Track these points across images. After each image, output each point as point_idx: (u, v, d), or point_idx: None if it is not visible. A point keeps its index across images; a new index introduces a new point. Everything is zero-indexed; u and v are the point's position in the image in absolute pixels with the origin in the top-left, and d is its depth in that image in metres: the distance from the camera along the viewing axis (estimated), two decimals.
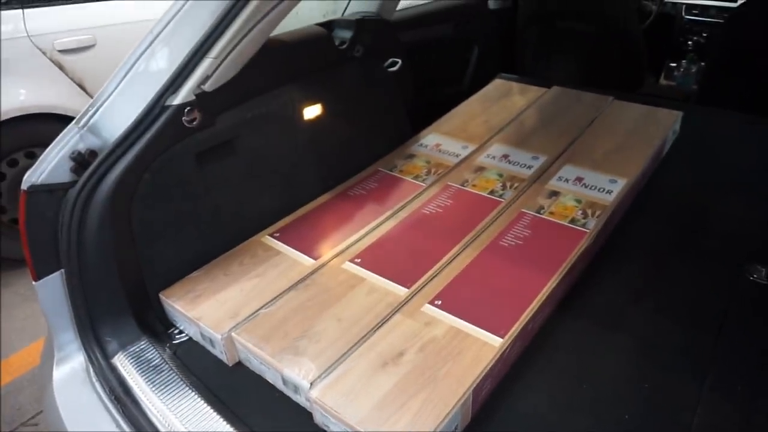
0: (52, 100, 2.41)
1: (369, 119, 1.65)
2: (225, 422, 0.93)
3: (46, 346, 1.15)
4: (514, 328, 1.03)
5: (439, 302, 1.11)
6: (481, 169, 1.56)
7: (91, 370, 1.05)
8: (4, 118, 2.29)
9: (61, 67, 2.43)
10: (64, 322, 1.08)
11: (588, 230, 1.27)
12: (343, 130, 1.54)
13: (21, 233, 1.03)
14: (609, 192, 1.40)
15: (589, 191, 1.42)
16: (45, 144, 2.55)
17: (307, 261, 1.25)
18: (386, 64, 1.67)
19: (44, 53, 2.38)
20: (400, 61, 1.67)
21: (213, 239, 1.25)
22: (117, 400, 0.99)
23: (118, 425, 0.96)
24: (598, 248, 1.32)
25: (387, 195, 1.48)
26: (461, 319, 1.06)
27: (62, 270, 1.05)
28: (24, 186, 1.02)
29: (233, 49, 1.14)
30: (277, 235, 1.33)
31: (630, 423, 0.93)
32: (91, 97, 2.47)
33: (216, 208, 1.26)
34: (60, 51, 2.41)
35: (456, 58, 2.27)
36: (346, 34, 1.56)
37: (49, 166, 1.03)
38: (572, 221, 1.31)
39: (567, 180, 1.47)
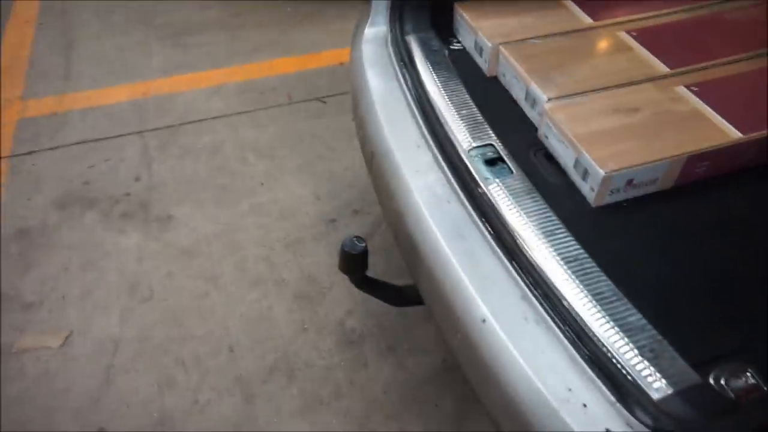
0: None
1: None
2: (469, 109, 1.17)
3: (361, 17, 1.47)
4: (758, 132, 1.02)
5: (696, 89, 1.12)
6: None
7: (390, 38, 1.35)
8: None
9: None
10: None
11: None
12: None
13: None
14: None
15: None
16: None
17: (587, 19, 1.32)
18: None
19: None
20: None
21: None
22: (401, 62, 1.28)
23: (399, 81, 1.25)
24: None
25: None
26: (710, 107, 1.08)
27: None
28: None
29: None
30: None
31: None
32: None
33: None
34: None
35: None
36: None
37: None
38: None
39: None
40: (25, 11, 2.82)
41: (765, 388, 0.75)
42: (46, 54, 2.56)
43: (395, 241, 1.19)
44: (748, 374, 0.77)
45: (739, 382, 0.76)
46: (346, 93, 2.33)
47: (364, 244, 1.09)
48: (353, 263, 1.11)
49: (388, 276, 1.54)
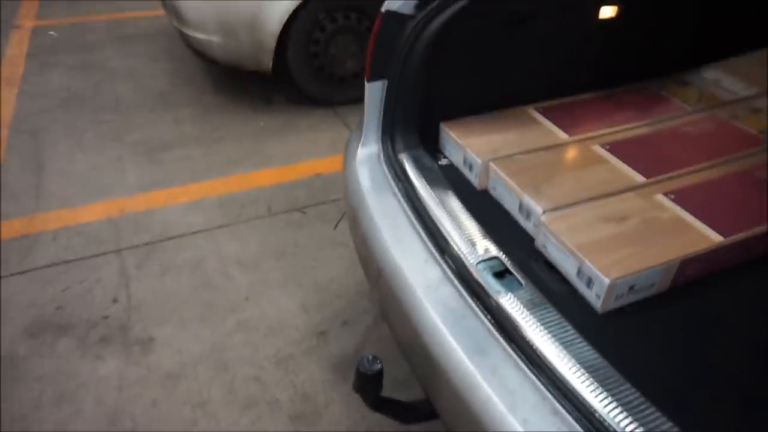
0: None
1: (656, 38, 1.70)
2: (469, 221, 1.22)
3: (353, 135, 1.55)
4: (738, 235, 1.11)
5: (673, 196, 1.22)
6: (757, 111, 1.54)
7: (383, 157, 1.42)
8: None
9: None
10: (373, 119, 1.46)
11: None
12: (630, 39, 1.63)
13: (370, 43, 1.40)
14: None
15: None
16: (357, 10, 3.04)
17: (562, 135, 1.44)
18: None
19: None
20: None
21: (493, 94, 1.51)
22: (398, 181, 1.34)
23: (397, 198, 1.31)
24: None
25: (649, 107, 1.57)
26: (690, 213, 1.17)
27: (385, 80, 1.41)
28: (382, 9, 1.37)
29: None
30: (542, 109, 1.54)
31: None
32: None
33: (504, 70, 1.50)
34: None
35: None
36: None
37: None
38: None
39: None
40: None
41: None
42: (17, 175, 2.53)
43: (405, 356, 1.19)
44: None
45: None
46: (325, 203, 2.41)
47: (379, 365, 1.07)
48: (368, 383, 1.09)
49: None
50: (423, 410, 1.20)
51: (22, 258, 2.08)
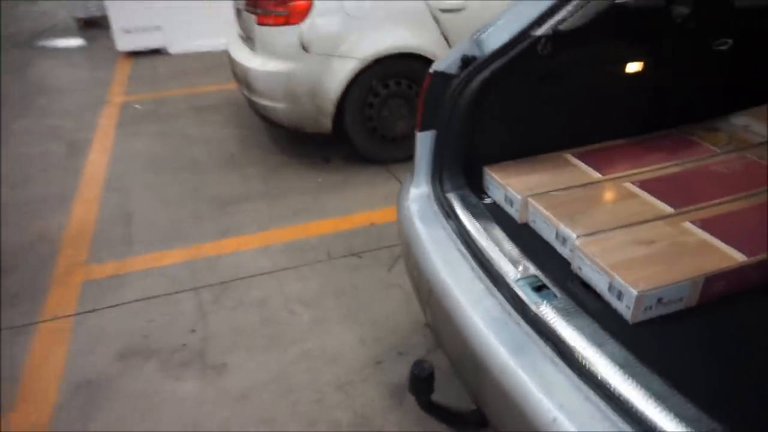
0: (422, 45, 3.18)
1: (682, 89, 1.85)
2: (504, 247, 1.38)
3: (406, 180, 1.75)
4: (761, 255, 1.22)
5: (699, 224, 1.34)
6: None
7: (432, 196, 1.61)
8: (389, 53, 3.14)
9: (437, 22, 3.17)
10: (423, 164, 1.67)
11: None
12: (657, 91, 1.80)
13: (420, 99, 1.63)
14: None
15: None
16: (408, 77, 3.34)
17: (596, 174, 1.60)
18: (716, 42, 1.84)
19: (430, 11, 3.15)
20: (730, 41, 1.82)
21: (530, 141, 1.70)
22: (446, 216, 1.52)
23: (445, 229, 1.49)
24: None
25: (678, 150, 1.70)
26: (715, 237, 1.29)
27: (434, 131, 1.63)
28: (431, 70, 1.61)
29: (586, 3, 1.53)
30: (578, 154, 1.70)
31: None
32: (450, 47, 3.17)
33: (539, 120, 1.69)
34: (441, 10, 3.15)
35: None
36: (684, 10, 1.79)
37: (449, 60, 1.59)
38: None
39: None
40: (90, 190, 3.21)
41: None
42: (109, 225, 2.87)
43: (456, 369, 1.32)
44: None
45: None
46: (380, 249, 2.61)
47: (431, 369, 1.22)
48: (421, 385, 1.23)
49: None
50: (471, 419, 1.31)
51: (114, 294, 2.36)
